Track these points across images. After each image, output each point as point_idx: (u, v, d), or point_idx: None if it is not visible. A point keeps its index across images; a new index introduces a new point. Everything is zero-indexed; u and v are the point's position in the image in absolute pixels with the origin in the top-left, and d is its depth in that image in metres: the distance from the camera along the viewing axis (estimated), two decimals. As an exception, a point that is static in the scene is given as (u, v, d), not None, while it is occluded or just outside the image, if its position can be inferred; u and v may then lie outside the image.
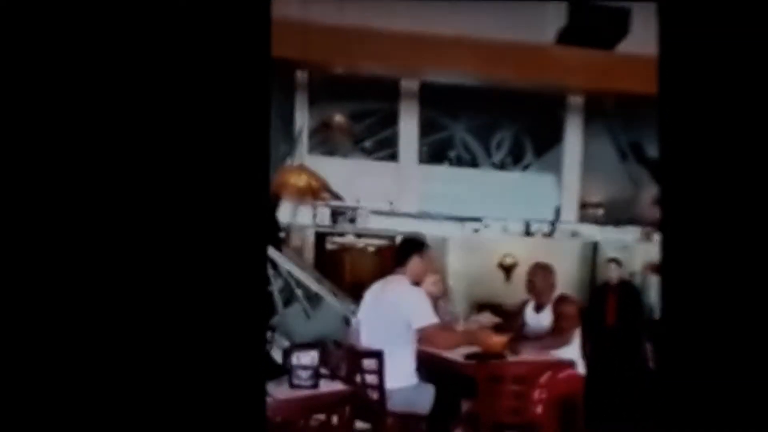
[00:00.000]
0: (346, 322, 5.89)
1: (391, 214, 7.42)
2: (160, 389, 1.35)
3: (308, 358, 3.04)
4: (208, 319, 1.40)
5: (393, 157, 7.77)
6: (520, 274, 7.23)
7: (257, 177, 1.46)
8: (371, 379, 3.63)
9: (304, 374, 3.01)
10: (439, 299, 4.47)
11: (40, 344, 1.31)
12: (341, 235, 7.84)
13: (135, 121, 1.34)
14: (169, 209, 1.36)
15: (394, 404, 3.60)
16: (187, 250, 1.37)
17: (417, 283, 3.82)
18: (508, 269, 7.54)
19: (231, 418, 1.40)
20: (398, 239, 7.60)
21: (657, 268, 7.45)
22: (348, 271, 8.84)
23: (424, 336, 3.65)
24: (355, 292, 7.52)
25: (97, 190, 1.31)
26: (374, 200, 7.45)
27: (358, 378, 3.69)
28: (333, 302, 6.39)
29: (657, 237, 8.00)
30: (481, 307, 6.17)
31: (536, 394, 3.61)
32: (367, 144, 7.74)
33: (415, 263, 3.80)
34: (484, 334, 4.07)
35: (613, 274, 6.78)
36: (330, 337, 5.47)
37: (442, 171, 7.95)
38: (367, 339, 3.83)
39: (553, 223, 7.96)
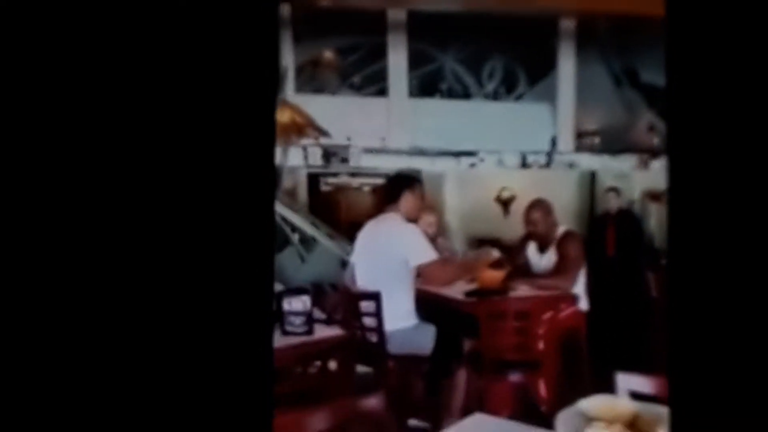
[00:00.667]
0: (343, 264, 5.80)
1: (384, 151, 7.22)
2: (166, 343, 1.37)
3: (300, 303, 2.91)
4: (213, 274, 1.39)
5: (382, 92, 7.52)
6: (518, 207, 7.14)
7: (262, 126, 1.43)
8: (369, 321, 3.54)
9: (297, 320, 2.88)
10: (437, 237, 4.34)
11: (40, 334, 1.31)
12: (335, 175, 7.67)
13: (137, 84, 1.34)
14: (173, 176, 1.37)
15: (394, 346, 3.51)
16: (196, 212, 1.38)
17: (411, 220, 3.69)
18: (505, 203, 7.42)
19: (238, 368, 1.40)
20: (393, 177, 7.47)
21: (656, 196, 7.35)
22: (344, 212, 8.72)
23: (423, 273, 3.52)
24: (352, 233, 7.41)
25: (98, 161, 1.33)
26: (366, 138, 7.24)
27: (355, 321, 3.60)
28: (329, 244, 6.29)
29: (654, 164, 7.89)
30: (480, 242, 6.05)
31: (539, 330, 3.50)
32: (356, 80, 7.49)
33: (407, 200, 3.65)
34: (481, 269, 3.96)
35: (612, 203, 6.67)
36: (327, 280, 5.38)
37: (434, 104, 7.71)
38: (362, 280, 3.72)
39: (550, 154, 7.78)
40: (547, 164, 7.79)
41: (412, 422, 3.52)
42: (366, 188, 8.87)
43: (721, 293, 1.37)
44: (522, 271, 4.22)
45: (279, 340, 2.74)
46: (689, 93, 1.39)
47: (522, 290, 3.82)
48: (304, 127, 5.90)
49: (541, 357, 3.56)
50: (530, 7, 6.95)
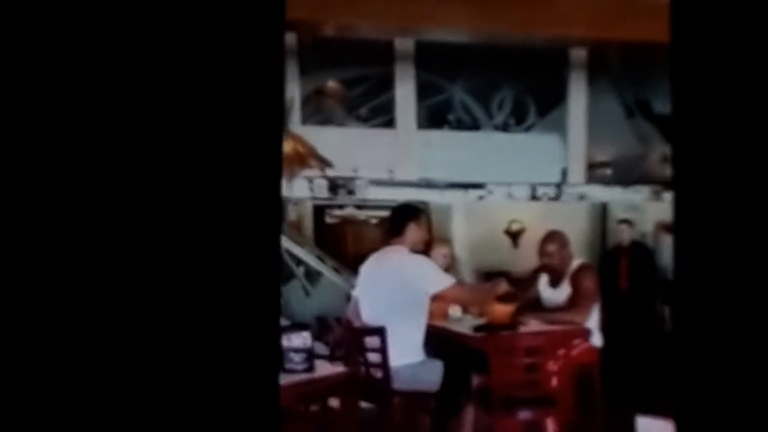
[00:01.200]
0: (349, 298, 5.69)
1: (391, 183, 7.12)
2: (170, 368, 1.37)
3: (300, 339, 2.77)
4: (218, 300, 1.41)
5: (390, 123, 7.43)
6: (528, 239, 7.04)
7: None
8: (374, 357, 3.42)
9: (297, 357, 2.74)
10: (449, 270, 4.22)
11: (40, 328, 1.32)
12: (341, 207, 7.57)
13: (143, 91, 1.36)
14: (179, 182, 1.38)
15: (400, 382, 3.39)
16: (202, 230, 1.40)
17: (416, 252, 3.58)
18: (514, 235, 7.28)
19: (243, 402, 1.42)
20: (397, 210, 7.36)
21: (669, 228, 7.20)
22: (350, 244, 8.60)
23: (448, 297, 3.54)
24: (358, 266, 7.29)
25: (102, 152, 1.33)
26: (372, 170, 7.14)
27: (360, 357, 3.47)
28: (334, 278, 6.18)
29: (667, 196, 7.75)
30: (488, 275, 5.91)
31: (550, 365, 3.35)
32: (363, 111, 7.40)
33: (412, 231, 3.56)
34: (490, 303, 3.84)
35: (624, 235, 6.56)
36: (332, 314, 5.25)
37: (442, 135, 7.59)
38: (368, 315, 3.60)
39: (559, 186, 7.65)
40: (557, 196, 7.66)
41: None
42: (373, 221, 8.76)
43: (728, 329, 1.33)
44: (532, 305, 4.09)
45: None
46: (695, 120, 1.38)
47: (532, 325, 3.69)
48: (306, 157, 5.84)
49: (555, 394, 3.41)
50: (540, 37, 6.87)
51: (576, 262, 4.05)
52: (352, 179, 7.07)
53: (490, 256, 6.86)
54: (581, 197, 7.70)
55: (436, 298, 3.46)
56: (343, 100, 7.16)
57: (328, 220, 7.85)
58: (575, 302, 3.88)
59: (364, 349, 3.46)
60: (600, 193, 7.75)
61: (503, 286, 4.21)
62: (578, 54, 7.67)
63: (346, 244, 8.44)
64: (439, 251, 4.15)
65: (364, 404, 3.55)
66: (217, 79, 1.36)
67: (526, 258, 4.89)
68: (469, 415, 3.41)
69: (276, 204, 1.48)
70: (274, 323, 1.57)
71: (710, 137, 1.37)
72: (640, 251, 6.64)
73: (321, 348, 3.90)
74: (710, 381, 1.39)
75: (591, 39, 7.24)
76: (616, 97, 7.95)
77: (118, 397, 1.31)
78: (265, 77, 1.40)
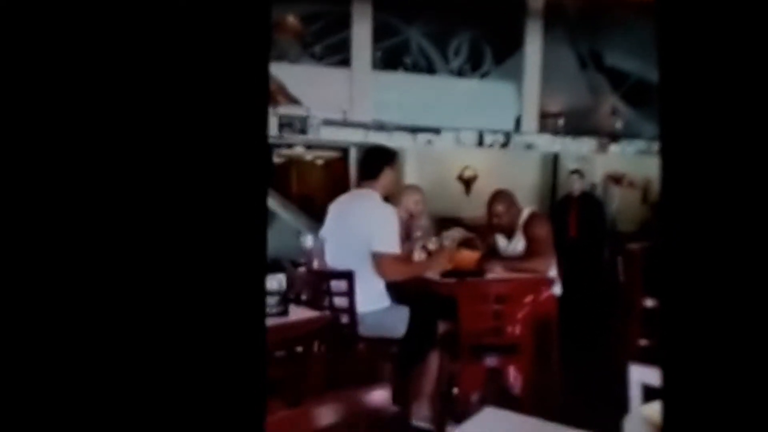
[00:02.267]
0: (299, 238, 5.58)
1: (345, 124, 6.97)
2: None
3: (275, 282, 2.70)
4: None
5: (345, 62, 7.25)
6: (480, 186, 7.05)
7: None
8: (340, 302, 3.36)
9: (271, 300, 2.67)
10: (421, 215, 4.17)
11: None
12: (289, 146, 7.39)
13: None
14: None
15: (365, 329, 3.34)
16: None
17: (388, 198, 3.50)
18: (467, 182, 7.27)
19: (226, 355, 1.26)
20: (351, 151, 7.24)
21: (618, 179, 7.33)
22: (294, 185, 8.47)
23: (375, 260, 3.31)
24: (302, 207, 7.20)
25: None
26: (325, 109, 6.97)
27: (325, 301, 3.40)
28: (285, 217, 6.07)
29: (613, 148, 7.86)
30: (442, 220, 5.90)
31: (518, 314, 3.36)
32: (317, 49, 7.20)
33: (387, 176, 3.48)
34: (455, 250, 3.82)
35: (575, 185, 6.63)
36: (285, 256, 5.15)
37: (398, 78, 7.47)
38: (332, 258, 3.52)
39: (508, 134, 7.63)
40: (505, 144, 7.64)
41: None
42: (319, 161, 8.59)
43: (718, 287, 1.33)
44: (493, 252, 4.09)
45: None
46: (683, 85, 1.34)
47: (498, 271, 3.69)
48: (276, 94, 5.63)
49: (518, 342, 3.42)
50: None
51: (526, 212, 4.05)
52: (304, 118, 6.88)
53: (443, 202, 6.84)
54: (528, 146, 7.72)
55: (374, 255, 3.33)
56: (298, 36, 6.93)
57: (275, 159, 7.69)
58: (532, 251, 3.89)
59: (330, 293, 3.39)
60: (547, 142, 7.79)
61: (461, 233, 4.22)
62: (535, 3, 7.61)
63: (289, 184, 8.32)
64: (411, 197, 4.09)
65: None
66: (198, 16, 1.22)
67: (478, 204, 4.87)
68: (434, 362, 3.38)
69: (262, 146, 1.42)
70: (259, 267, 1.48)
71: (698, 99, 1.35)
72: (590, 201, 6.74)
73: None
74: (699, 333, 1.37)
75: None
76: (571, 47, 7.95)
77: (94, 348, 1.21)
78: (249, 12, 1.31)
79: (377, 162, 3.50)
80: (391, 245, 3.31)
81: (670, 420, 1.33)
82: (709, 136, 1.34)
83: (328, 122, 6.96)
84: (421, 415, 3.35)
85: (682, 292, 1.41)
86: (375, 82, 7.28)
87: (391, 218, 3.35)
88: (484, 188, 6.81)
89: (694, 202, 1.38)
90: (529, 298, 3.40)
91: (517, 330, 3.43)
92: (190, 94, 1.32)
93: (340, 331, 3.28)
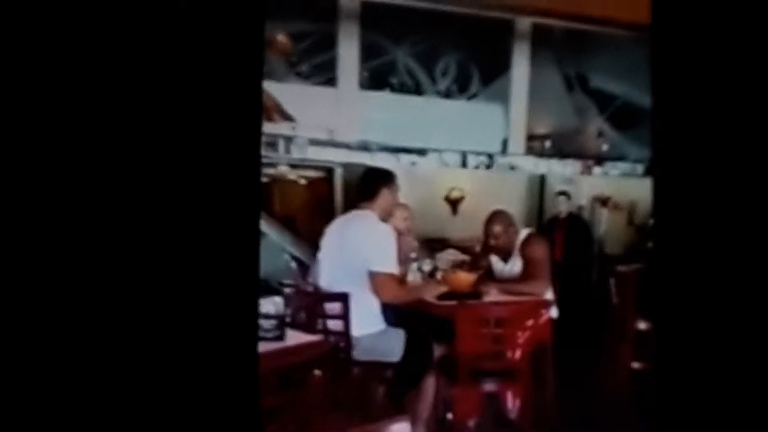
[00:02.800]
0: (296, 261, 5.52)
1: (331, 144, 6.91)
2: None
3: (272, 305, 2.61)
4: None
5: (331, 82, 7.20)
6: (467, 207, 7.01)
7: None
8: (335, 325, 3.27)
9: (267, 324, 2.57)
10: (409, 233, 4.10)
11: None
12: (273, 165, 7.29)
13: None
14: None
15: (359, 352, 3.26)
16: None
17: (385, 219, 3.44)
18: (454, 203, 7.23)
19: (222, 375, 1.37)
20: (337, 172, 7.16)
21: (605, 201, 7.33)
22: (278, 204, 8.36)
23: (373, 281, 3.25)
24: (284, 227, 7.08)
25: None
26: (311, 129, 6.90)
27: (319, 324, 3.32)
28: (273, 237, 5.97)
29: (597, 170, 7.88)
30: (428, 241, 5.84)
31: (518, 338, 3.29)
32: (304, 68, 7.14)
33: (384, 197, 3.43)
34: (451, 272, 3.77)
35: (562, 207, 6.62)
36: (274, 278, 5.06)
37: (385, 98, 7.43)
38: (327, 279, 3.44)
39: (491, 156, 7.59)
40: (489, 166, 7.60)
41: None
42: (302, 181, 8.51)
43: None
44: (488, 275, 4.03)
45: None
46: (674, 105, 1.37)
47: (494, 294, 3.62)
48: (271, 111, 5.55)
49: (517, 367, 3.36)
50: (486, 4, 6.79)
51: (524, 233, 4.00)
52: (290, 137, 6.80)
53: (429, 222, 6.78)
54: (512, 168, 7.69)
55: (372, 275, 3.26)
56: (286, 55, 6.87)
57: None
58: (530, 273, 3.83)
59: (324, 316, 3.31)
60: (531, 164, 7.77)
61: (455, 256, 4.16)
62: (523, 25, 7.63)
63: (272, 204, 8.20)
64: (400, 215, 4.03)
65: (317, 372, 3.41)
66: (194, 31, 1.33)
67: (465, 225, 4.85)
68: (430, 386, 3.31)
69: (254, 164, 1.43)
70: (252, 288, 1.45)
71: (689, 122, 1.36)
72: (577, 223, 6.72)
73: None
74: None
75: (536, 9, 7.22)
76: (558, 70, 7.98)
77: (93, 358, 1.27)
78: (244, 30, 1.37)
79: (375, 182, 3.45)
80: (390, 265, 3.25)
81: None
82: (700, 160, 1.33)
83: (315, 142, 6.88)
84: (417, 441, 3.26)
85: (676, 315, 1.39)
86: (362, 102, 7.23)
87: (390, 238, 3.29)
88: (470, 209, 6.78)
89: (686, 225, 1.37)
90: (530, 322, 3.34)
91: (518, 354, 3.37)
92: (186, 113, 1.29)
93: (338, 356, 3.19)
